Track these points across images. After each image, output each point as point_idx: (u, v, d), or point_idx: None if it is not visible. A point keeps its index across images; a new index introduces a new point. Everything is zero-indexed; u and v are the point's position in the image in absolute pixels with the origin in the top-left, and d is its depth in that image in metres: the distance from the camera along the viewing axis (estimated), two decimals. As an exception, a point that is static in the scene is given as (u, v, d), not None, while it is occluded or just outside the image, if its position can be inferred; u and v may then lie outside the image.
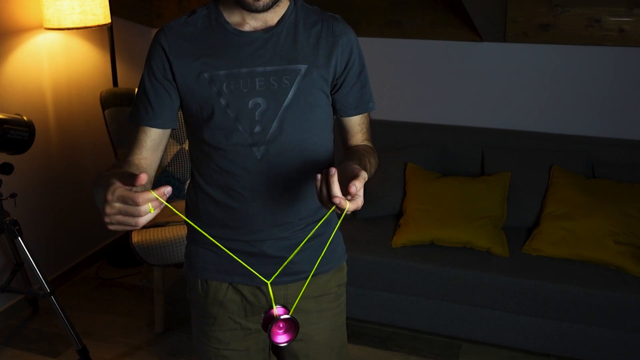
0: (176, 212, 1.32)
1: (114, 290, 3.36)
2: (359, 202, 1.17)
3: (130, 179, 1.09)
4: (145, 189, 1.14)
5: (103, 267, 3.58)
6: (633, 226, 2.71)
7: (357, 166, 1.26)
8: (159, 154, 1.47)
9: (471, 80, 3.31)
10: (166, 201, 1.09)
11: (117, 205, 1.07)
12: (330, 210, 1.19)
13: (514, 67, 3.22)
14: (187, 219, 1.36)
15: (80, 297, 3.30)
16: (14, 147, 2.51)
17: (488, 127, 3.29)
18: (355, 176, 1.18)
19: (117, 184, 1.09)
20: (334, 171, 1.16)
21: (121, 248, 3.63)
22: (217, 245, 1.49)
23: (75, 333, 2.60)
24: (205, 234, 1.40)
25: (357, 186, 1.15)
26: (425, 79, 3.39)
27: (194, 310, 1.61)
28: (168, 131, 1.46)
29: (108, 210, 1.08)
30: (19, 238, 2.53)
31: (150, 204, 1.06)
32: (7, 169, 2.53)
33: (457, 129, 3.28)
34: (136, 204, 1.05)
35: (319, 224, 1.49)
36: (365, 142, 1.55)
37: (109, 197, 1.07)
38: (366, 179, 1.19)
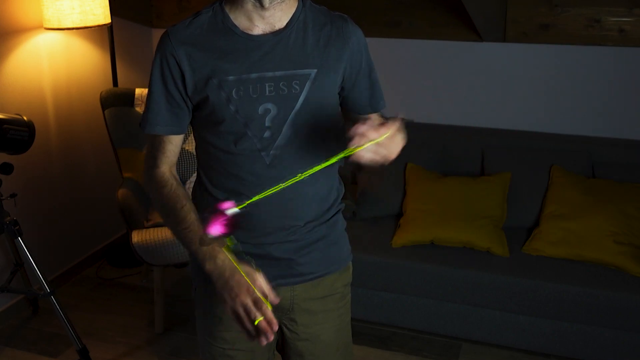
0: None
1: (114, 290, 3.36)
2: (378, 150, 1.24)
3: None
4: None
5: (103, 267, 3.58)
6: (633, 226, 2.71)
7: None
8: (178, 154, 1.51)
9: (471, 80, 3.31)
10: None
11: (248, 303, 1.26)
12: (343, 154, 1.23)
13: (514, 67, 3.22)
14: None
15: (80, 297, 3.30)
16: (14, 147, 2.51)
17: (488, 127, 3.28)
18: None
19: (253, 286, 1.27)
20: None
21: (121, 248, 3.63)
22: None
23: (75, 333, 2.59)
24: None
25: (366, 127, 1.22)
26: (425, 79, 3.39)
27: (198, 310, 1.61)
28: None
29: (238, 306, 1.27)
30: (19, 238, 2.53)
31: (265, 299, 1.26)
32: (7, 169, 2.53)
33: (457, 129, 3.28)
34: (260, 310, 1.25)
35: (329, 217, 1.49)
36: None
37: (245, 299, 1.26)
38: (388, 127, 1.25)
